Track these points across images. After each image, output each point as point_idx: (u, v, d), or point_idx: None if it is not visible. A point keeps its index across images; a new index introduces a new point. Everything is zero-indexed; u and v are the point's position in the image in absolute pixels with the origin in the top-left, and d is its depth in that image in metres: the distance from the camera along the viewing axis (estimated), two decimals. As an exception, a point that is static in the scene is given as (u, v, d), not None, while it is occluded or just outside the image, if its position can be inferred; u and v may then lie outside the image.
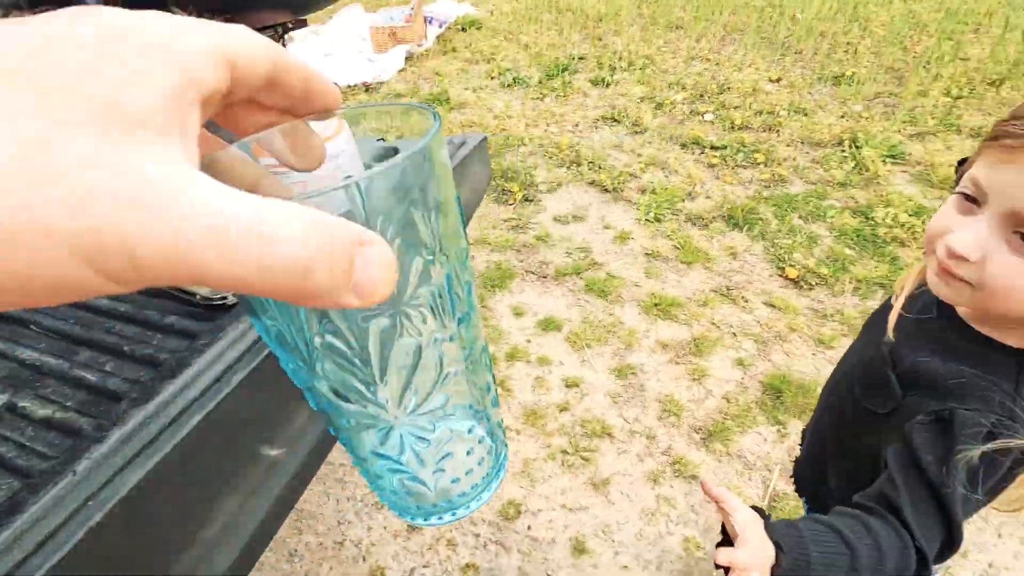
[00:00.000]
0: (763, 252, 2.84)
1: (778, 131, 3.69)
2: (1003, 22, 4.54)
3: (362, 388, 0.27)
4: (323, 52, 5.59)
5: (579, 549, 1.78)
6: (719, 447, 2.02)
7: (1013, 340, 0.66)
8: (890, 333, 0.74)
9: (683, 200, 3.19)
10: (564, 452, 2.04)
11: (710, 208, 3.09)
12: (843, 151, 3.41)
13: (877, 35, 4.78)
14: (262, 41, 0.20)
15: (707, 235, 2.97)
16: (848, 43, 4.70)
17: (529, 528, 1.85)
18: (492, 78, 4.80)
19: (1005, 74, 3.96)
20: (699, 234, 2.97)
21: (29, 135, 0.13)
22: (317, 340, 0.25)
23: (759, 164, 3.42)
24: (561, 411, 2.19)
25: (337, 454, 2.02)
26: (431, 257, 0.25)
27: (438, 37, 5.65)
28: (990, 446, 0.59)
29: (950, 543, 0.62)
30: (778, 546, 0.61)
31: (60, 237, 0.13)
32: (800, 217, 3.00)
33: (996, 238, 0.59)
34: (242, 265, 0.15)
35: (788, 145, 3.55)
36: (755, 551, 0.61)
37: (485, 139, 1.06)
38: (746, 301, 2.58)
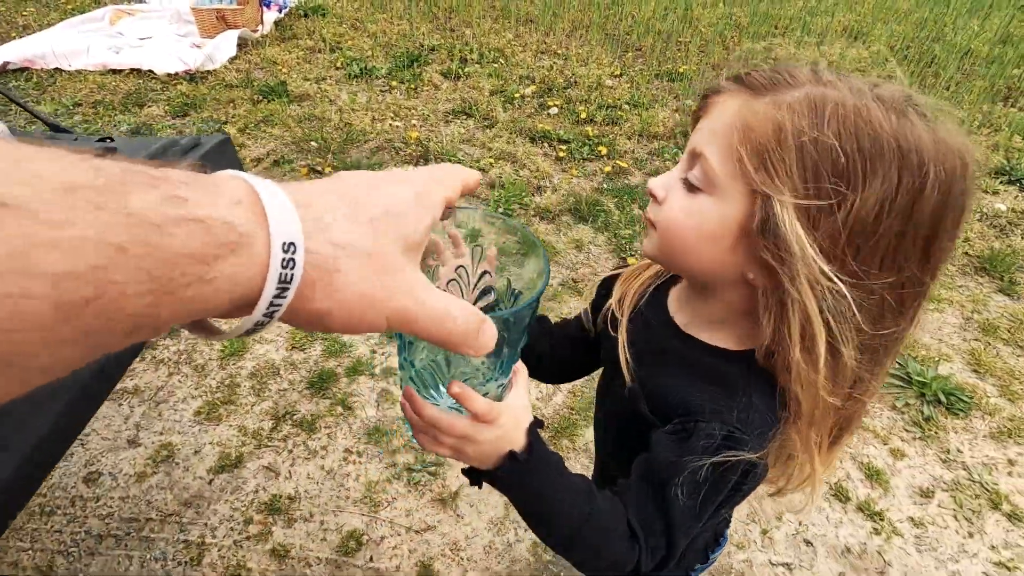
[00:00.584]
0: (606, 243, 2.92)
1: (620, 124, 3.85)
2: (800, 26, 5.15)
3: (434, 389, 0.55)
4: (138, 35, 4.88)
5: (425, 574, 1.67)
6: (566, 443, 2.02)
7: (732, 342, 0.65)
8: (624, 367, 0.71)
9: (531, 194, 3.20)
10: (409, 469, 1.92)
11: (557, 201, 3.13)
12: (676, 143, 3.63)
13: (704, 35, 5.19)
14: (460, 176, 0.40)
15: (555, 228, 2.99)
16: (680, 42, 5.05)
17: (371, 560, 1.71)
18: (337, 68, 4.49)
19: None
20: (547, 227, 2.99)
21: (374, 248, 0.30)
22: (421, 363, 0.54)
23: (602, 156, 3.53)
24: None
25: (124, 510, 1.72)
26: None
27: (276, 23, 5.18)
28: (717, 459, 0.58)
29: (668, 546, 0.60)
30: (528, 445, 0.58)
31: (383, 307, 0.31)
32: (640, 207, 3.13)
33: (677, 179, 0.60)
34: (438, 327, 0.33)
35: (628, 138, 3.71)
36: (503, 427, 0.55)
37: (227, 139, 0.89)
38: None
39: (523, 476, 0.57)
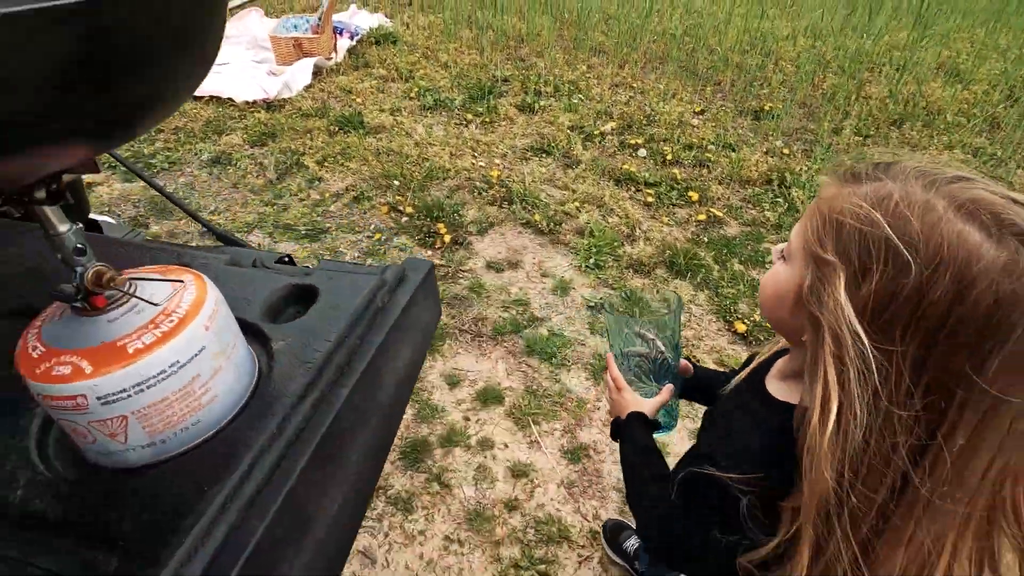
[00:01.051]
0: (708, 302, 2.72)
1: (709, 167, 3.65)
2: (889, 61, 4.86)
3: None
4: (217, 61, 4.94)
5: None
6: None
7: (794, 397, 0.69)
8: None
9: (623, 244, 3.02)
10: (517, 567, 1.75)
11: (651, 253, 2.94)
12: (772, 191, 3.41)
13: (787, 70, 4.95)
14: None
15: (650, 283, 2.80)
16: (763, 77, 4.83)
17: (481, 676, 1.53)
18: (411, 99, 4.44)
19: (903, 114, 4.20)
20: (642, 282, 2.81)
21: None
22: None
23: (694, 203, 3.34)
24: (510, 510, 1.89)
25: None
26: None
27: (349, 51, 5.18)
28: (692, 468, 0.73)
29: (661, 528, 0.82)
30: (629, 416, 0.91)
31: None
32: (740, 262, 2.92)
33: (779, 249, 0.73)
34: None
35: (720, 183, 3.50)
36: (625, 399, 0.93)
37: (432, 268, 0.74)
38: (698, 360, 2.42)
39: (622, 430, 0.91)
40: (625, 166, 3.58)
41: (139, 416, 0.48)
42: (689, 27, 5.64)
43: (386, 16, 6.16)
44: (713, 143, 3.88)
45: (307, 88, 4.57)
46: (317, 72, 4.79)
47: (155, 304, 0.50)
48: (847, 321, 0.53)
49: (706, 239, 3.06)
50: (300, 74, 4.63)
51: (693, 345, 2.50)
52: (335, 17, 5.32)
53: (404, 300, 0.69)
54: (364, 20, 5.87)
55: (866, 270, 0.54)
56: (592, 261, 2.89)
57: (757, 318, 2.57)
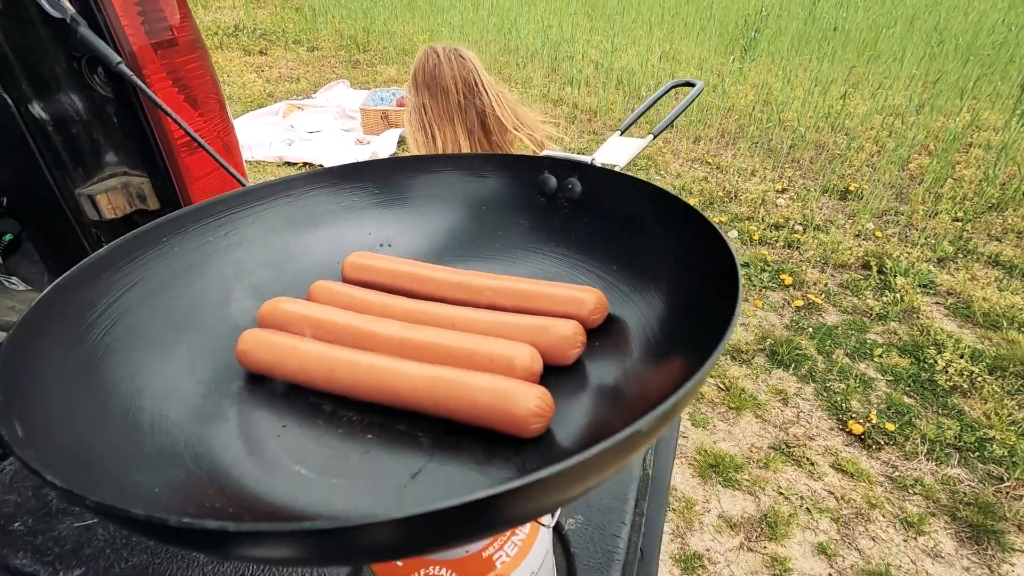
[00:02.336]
0: (815, 397, 2.57)
1: (799, 249, 3.56)
2: (974, 139, 4.74)
3: None
4: (308, 129, 5.27)
5: None
6: None
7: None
8: None
9: (718, 329, 2.93)
10: None
11: (750, 341, 2.84)
12: (870, 276, 3.29)
13: (869, 148, 4.89)
14: None
15: (751, 374, 2.69)
16: (842, 155, 4.78)
17: None
18: (491, 170, 4.57)
19: (1002, 198, 4.04)
20: (742, 373, 2.70)
21: None
22: None
23: (788, 287, 3.24)
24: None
25: None
26: None
27: (430, 121, 5.44)
28: None
29: None
30: None
31: None
32: (846, 354, 2.78)
33: None
34: None
35: (813, 267, 3.40)
36: None
37: (676, 422, 0.70)
38: (812, 464, 2.27)
39: None
40: (712, 245, 3.54)
41: (492, 631, 0.45)
42: (761, 104, 5.70)
43: (462, 88, 6.48)
44: (800, 223, 3.80)
45: (392, 156, 4.79)
46: (401, 141, 5.03)
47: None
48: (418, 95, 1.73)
49: (807, 327, 2.94)
50: (386, 143, 4.87)
51: (804, 445, 2.36)
52: (419, 91, 5.62)
53: (667, 464, 0.66)
54: (442, 92, 6.18)
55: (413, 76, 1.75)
56: (688, 346, 2.81)
57: (874, 418, 2.41)
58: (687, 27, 8.44)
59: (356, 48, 8.22)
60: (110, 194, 0.95)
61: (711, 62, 7.04)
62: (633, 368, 0.40)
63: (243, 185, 0.60)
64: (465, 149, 1.69)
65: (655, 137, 0.57)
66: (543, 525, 0.45)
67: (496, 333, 0.41)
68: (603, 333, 0.45)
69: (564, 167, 0.54)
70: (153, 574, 0.59)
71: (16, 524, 0.65)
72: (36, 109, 0.88)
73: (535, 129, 1.91)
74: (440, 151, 1.73)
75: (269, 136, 4.91)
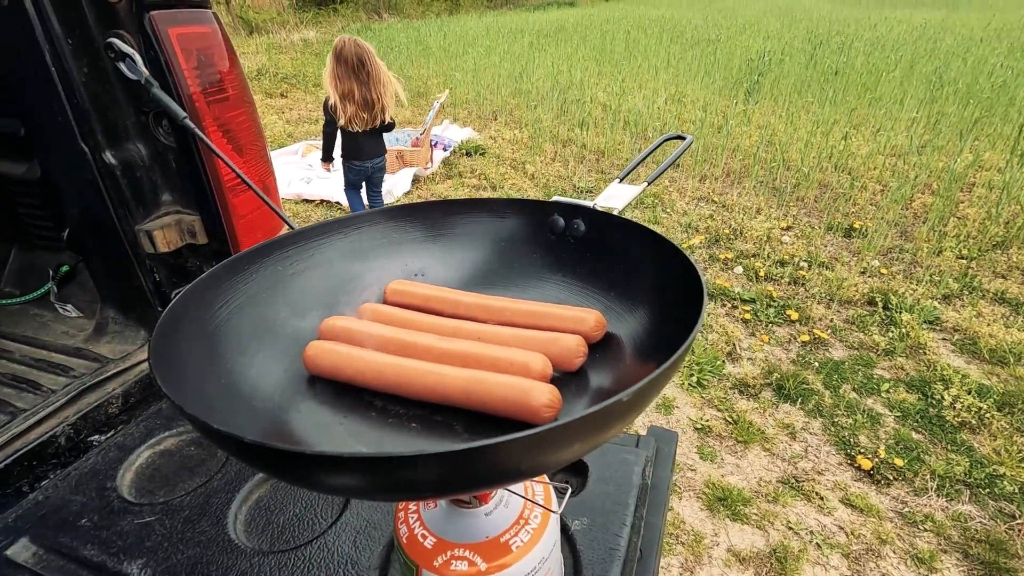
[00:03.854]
0: (823, 431, 2.59)
1: (804, 285, 3.63)
2: (987, 181, 4.83)
3: None
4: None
5: None
6: None
7: None
8: None
9: (725, 363, 2.98)
10: None
11: (756, 375, 2.88)
12: (875, 312, 3.33)
13: (872, 188, 5.00)
14: None
15: (758, 407, 2.72)
16: (846, 194, 4.88)
17: None
18: (502, 208, 4.72)
19: (1006, 236, 4.10)
20: (750, 407, 2.73)
21: None
22: None
23: (794, 322, 3.29)
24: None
25: None
26: None
27: (444, 161, 5.65)
28: None
29: None
30: None
31: None
32: (853, 389, 2.81)
33: None
34: None
35: (819, 302, 3.46)
36: None
37: (677, 438, 0.78)
38: (821, 499, 2.28)
39: None
40: (718, 281, 3.62)
41: (508, 612, 0.52)
42: (765, 144, 5.86)
43: (474, 131, 6.74)
44: (805, 260, 3.88)
45: (406, 194, 4.97)
46: (415, 180, 5.22)
47: (521, 496, 0.55)
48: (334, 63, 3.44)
49: (813, 362, 2.98)
50: (401, 182, 5.06)
51: (813, 480, 2.37)
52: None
53: (666, 475, 0.73)
54: (456, 134, 6.44)
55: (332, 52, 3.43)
56: (695, 379, 2.86)
57: (883, 453, 2.43)
58: (692, 71, 8.74)
59: (374, 92, 8.54)
60: (165, 230, 1.07)
61: (716, 104, 7.27)
62: (625, 373, 0.49)
63: (284, 220, 0.71)
64: (357, 95, 3.43)
65: (649, 184, 0.67)
66: (552, 512, 0.53)
67: (514, 344, 0.50)
68: (602, 347, 0.53)
69: (571, 210, 0.64)
70: (206, 563, 0.66)
71: (83, 520, 0.73)
72: (107, 156, 1.00)
73: (395, 87, 3.65)
74: (339, 94, 3.44)
75: (289, 175, 5.13)
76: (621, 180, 0.68)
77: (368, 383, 0.48)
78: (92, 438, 0.94)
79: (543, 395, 0.42)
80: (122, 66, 0.92)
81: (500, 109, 7.70)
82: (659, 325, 0.49)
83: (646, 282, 0.54)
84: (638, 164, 0.71)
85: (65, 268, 1.35)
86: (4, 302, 1.37)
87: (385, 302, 0.61)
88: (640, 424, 2.65)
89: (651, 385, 0.33)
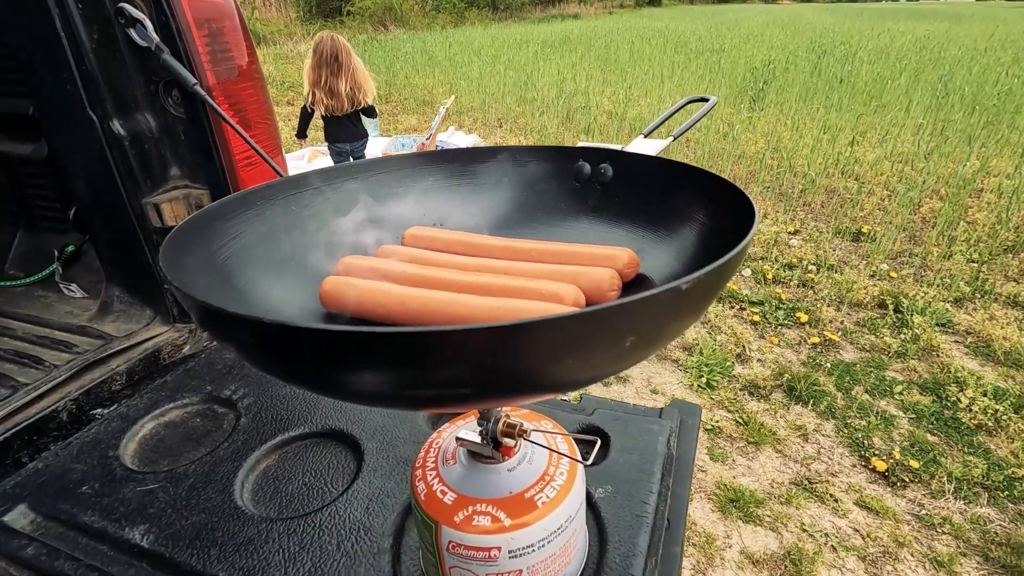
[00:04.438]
0: (836, 433, 2.54)
1: (813, 288, 3.59)
2: (997, 186, 4.80)
3: None
4: (331, 173, 5.50)
5: None
6: None
7: None
8: None
9: (734, 364, 2.94)
10: None
11: (767, 376, 2.84)
12: (886, 314, 3.29)
13: (879, 193, 4.97)
14: None
15: (769, 409, 2.68)
16: (853, 199, 4.86)
17: None
18: (508, 211, 4.71)
19: (1017, 241, 4.06)
20: (760, 408, 2.68)
21: None
22: None
23: (803, 324, 3.25)
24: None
25: None
26: None
27: (450, 166, 5.66)
28: None
29: None
30: None
31: None
32: (865, 391, 2.76)
33: None
34: None
35: (828, 305, 3.42)
36: None
37: (700, 411, 0.75)
38: (836, 501, 2.23)
39: None
40: (727, 284, 3.59)
41: (531, 571, 0.49)
42: (771, 151, 5.85)
43: (479, 137, 6.76)
44: (814, 263, 3.85)
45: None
46: (422, 184, 5.22)
47: (549, 450, 0.52)
48: (313, 56, 3.98)
49: (824, 364, 2.94)
50: (407, 186, 5.06)
51: (827, 481, 2.32)
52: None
53: (691, 448, 0.69)
54: (461, 140, 6.46)
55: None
56: (704, 380, 2.82)
57: (898, 455, 2.38)
58: (697, 79, 8.77)
59: (379, 99, 8.64)
60: (173, 203, 1.04)
61: (721, 111, 7.28)
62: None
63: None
64: (325, 84, 3.87)
65: (674, 139, 0.64)
66: (581, 463, 0.50)
67: (544, 277, 0.47)
68: (636, 286, 0.50)
69: (597, 155, 0.61)
70: (211, 530, 0.63)
71: (84, 488, 0.70)
72: (116, 126, 0.99)
73: (367, 81, 4.08)
74: (311, 82, 3.93)
75: (296, 178, 5.14)
76: (646, 136, 0.66)
77: (390, 316, 0.45)
78: (94, 412, 0.91)
79: (572, 310, 0.39)
80: (132, 32, 0.90)
81: (505, 116, 7.73)
82: (696, 264, 0.47)
83: (682, 221, 0.51)
84: (663, 121, 0.69)
85: (71, 248, 1.32)
86: (9, 283, 1.34)
87: (404, 246, 0.58)
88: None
89: (714, 274, 0.30)
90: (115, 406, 0.88)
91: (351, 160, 4.23)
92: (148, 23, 0.89)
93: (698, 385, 2.81)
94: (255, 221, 0.52)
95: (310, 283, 0.51)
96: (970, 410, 2.58)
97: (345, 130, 4.23)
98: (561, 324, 0.25)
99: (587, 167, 0.60)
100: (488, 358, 0.27)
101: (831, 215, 4.61)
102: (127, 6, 0.89)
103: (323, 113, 4.08)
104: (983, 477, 2.29)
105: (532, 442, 0.51)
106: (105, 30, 0.94)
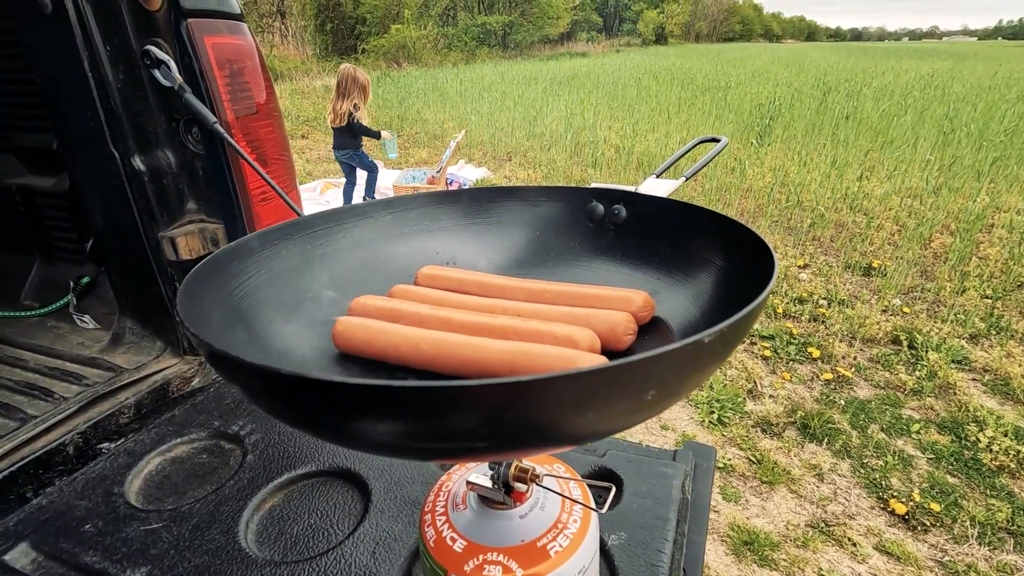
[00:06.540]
0: (852, 473, 2.47)
1: (824, 323, 3.55)
2: (1008, 222, 4.78)
3: None
4: (342, 204, 5.58)
5: None
6: None
7: None
8: None
9: (746, 400, 2.89)
10: None
11: (779, 413, 2.78)
12: (900, 351, 3.24)
13: (889, 227, 4.96)
14: None
15: (782, 447, 2.61)
16: (862, 233, 4.85)
17: None
18: (517, 243, 4.74)
19: (1031, 277, 4.02)
20: (773, 445, 2.62)
21: None
22: None
23: (815, 360, 3.20)
24: None
25: None
26: None
27: (459, 198, 5.73)
28: None
29: None
30: None
31: None
32: (881, 430, 2.69)
33: None
34: None
35: (841, 340, 3.37)
36: None
37: (715, 454, 0.73)
38: (854, 545, 2.15)
39: None
40: (736, 317, 3.56)
41: (544, 624, 0.47)
42: (779, 185, 5.88)
43: (489, 170, 6.86)
44: (824, 298, 3.81)
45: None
46: (431, 216, 5.28)
47: (561, 496, 0.51)
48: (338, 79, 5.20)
49: (838, 401, 2.88)
50: (417, 217, 5.12)
51: (844, 524, 2.24)
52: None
53: (706, 492, 0.67)
54: (471, 173, 6.55)
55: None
56: (715, 416, 2.77)
57: (918, 497, 2.30)
58: (703, 115, 8.91)
59: (391, 132, 8.83)
60: (188, 237, 1.06)
61: (728, 146, 7.36)
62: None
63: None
64: (344, 107, 4.97)
65: (686, 179, 0.65)
66: (594, 510, 0.48)
67: (558, 320, 0.47)
68: (648, 331, 0.50)
69: (611, 196, 0.61)
70: (214, 573, 0.62)
71: (87, 526, 0.69)
72: (136, 162, 1.01)
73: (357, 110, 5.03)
74: (334, 101, 5.06)
75: (307, 211, 5.23)
76: (658, 175, 0.66)
77: (403, 358, 0.45)
78: (101, 446, 0.90)
79: (593, 363, 0.39)
80: (156, 73, 0.93)
81: (515, 150, 7.86)
82: (712, 310, 0.46)
83: (697, 264, 0.51)
84: (674, 161, 0.70)
85: (86, 280, 1.34)
86: (23, 314, 1.36)
87: (416, 285, 0.58)
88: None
89: (736, 326, 0.30)
90: (122, 440, 0.87)
91: (349, 166, 5.32)
92: (172, 64, 0.92)
93: (709, 421, 2.76)
94: (272, 260, 0.52)
95: (323, 323, 0.51)
96: (991, 450, 2.50)
97: (338, 139, 5.28)
98: (582, 378, 0.25)
99: (600, 207, 0.60)
100: (507, 412, 0.26)
101: (840, 249, 4.60)
102: (153, 48, 0.92)
103: (332, 125, 5.25)
104: (1008, 522, 2.21)
105: (545, 487, 0.50)
106: (130, 70, 0.98)
